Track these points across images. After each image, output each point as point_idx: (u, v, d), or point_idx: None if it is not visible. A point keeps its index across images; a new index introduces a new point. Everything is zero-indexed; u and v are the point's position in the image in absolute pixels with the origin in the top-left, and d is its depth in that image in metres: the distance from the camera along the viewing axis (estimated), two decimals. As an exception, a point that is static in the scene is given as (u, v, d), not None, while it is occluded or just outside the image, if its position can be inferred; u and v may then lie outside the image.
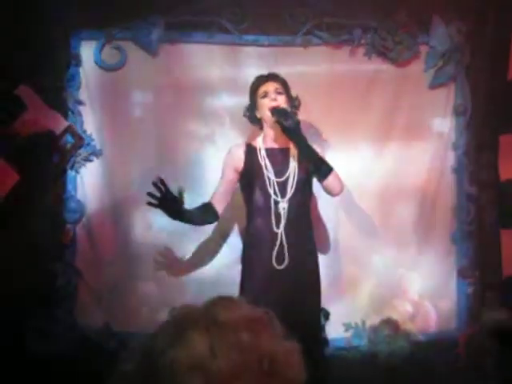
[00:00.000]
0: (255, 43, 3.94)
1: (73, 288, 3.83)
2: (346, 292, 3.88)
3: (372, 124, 3.95)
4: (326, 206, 3.78)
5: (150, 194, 2.95)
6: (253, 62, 3.92)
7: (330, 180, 3.11)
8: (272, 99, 3.16)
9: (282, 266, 3.08)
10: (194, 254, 3.86)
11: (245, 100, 3.41)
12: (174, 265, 3.82)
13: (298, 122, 3.01)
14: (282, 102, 3.18)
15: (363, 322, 3.85)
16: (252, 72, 3.67)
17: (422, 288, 3.91)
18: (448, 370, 3.70)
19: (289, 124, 2.97)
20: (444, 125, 4.02)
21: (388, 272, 3.88)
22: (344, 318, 3.82)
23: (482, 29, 3.94)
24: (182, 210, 3.11)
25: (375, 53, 3.95)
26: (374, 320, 3.84)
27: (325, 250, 3.79)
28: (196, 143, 3.99)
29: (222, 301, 0.99)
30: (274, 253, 3.08)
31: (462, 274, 3.93)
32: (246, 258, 3.21)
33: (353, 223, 3.97)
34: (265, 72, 3.40)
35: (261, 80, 3.27)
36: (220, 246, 3.87)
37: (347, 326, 3.84)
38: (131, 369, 0.90)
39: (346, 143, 3.94)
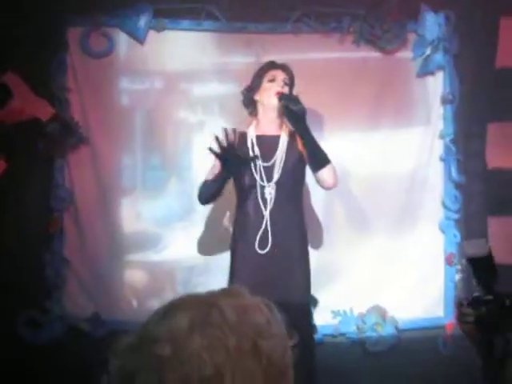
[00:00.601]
0: (243, 30, 3.92)
1: (61, 277, 3.82)
2: (335, 279, 3.90)
3: (360, 112, 3.95)
4: (316, 192, 3.77)
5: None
6: (241, 50, 3.90)
7: (324, 172, 3.08)
8: (280, 86, 3.15)
9: (265, 251, 3.06)
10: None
11: (234, 87, 3.37)
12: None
13: (304, 110, 2.99)
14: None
15: (351, 310, 3.87)
16: (240, 59, 3.63)
17: (410, 275, 3.93)
18: (435, 357, 3.73)
19: (297, 109, 2.96)
20: (432, 113, 4.03)
21: (376, 259, 3.90)
22: (332, 305, 3.84)
23: (470, 17, 3.94)
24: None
25: (364, 41, 3.95)
26: (361, 307, 3.86)
27: (315, 238, 3.81)
28: (184, 131, 3.98)
29: (224, 290, 1.01)
30: (258, 237, 3.07)
31: (449, 261, 3.96)
32: (234, 244, 3.20)
33: (342, 210, 3.98)
34: (253, 60, 3.36)
35: (273, 65, 3.24)
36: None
37: (335, 313, 3.86)
38: (124, 346, 0.93)
39: (334, 130, 3.94)
